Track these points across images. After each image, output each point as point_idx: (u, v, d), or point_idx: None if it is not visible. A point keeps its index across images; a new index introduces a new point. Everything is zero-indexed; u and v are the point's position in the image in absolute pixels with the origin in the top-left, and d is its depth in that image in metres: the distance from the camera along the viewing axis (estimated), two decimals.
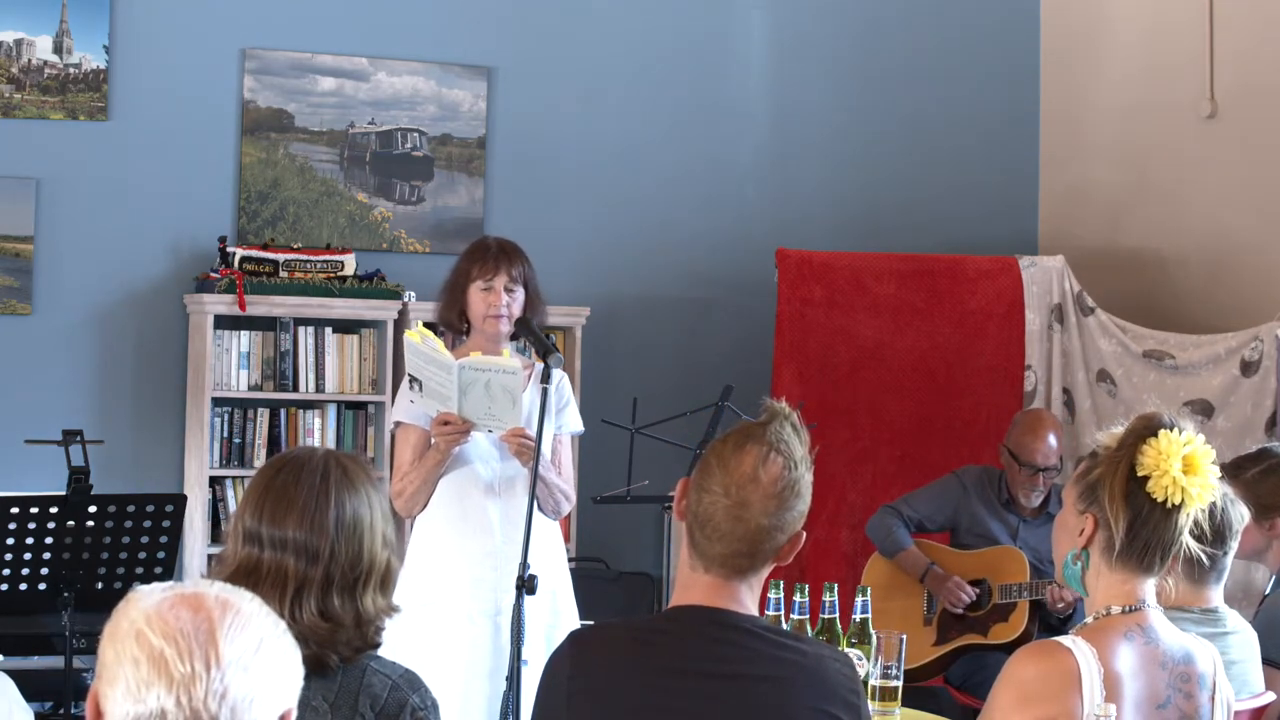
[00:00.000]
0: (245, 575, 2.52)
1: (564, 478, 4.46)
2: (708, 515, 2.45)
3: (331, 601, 2.56)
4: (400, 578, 4.36)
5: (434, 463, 4.28)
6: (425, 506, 4.35)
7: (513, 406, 4.14)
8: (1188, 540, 2.65)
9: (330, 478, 2.60)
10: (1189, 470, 2.61)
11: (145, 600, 1.71)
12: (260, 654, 1.68)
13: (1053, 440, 5.60)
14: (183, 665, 1.64)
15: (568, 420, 4.49)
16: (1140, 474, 2.62)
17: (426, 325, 4.49)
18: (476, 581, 4.30)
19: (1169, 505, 2.61)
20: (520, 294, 4.42)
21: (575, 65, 6.96)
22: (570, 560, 5.11)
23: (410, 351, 4.25)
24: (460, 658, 4.25)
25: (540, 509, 4.37)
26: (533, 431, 4.18)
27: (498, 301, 4.37)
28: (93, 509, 4.71)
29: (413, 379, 4.26)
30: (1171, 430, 2.62)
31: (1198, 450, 2.63)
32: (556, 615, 4.37)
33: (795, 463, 2.46)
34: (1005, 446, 5.68)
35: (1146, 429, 2.63)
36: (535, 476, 4.12)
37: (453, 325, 4.44)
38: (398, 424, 4.41)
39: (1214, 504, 2.75)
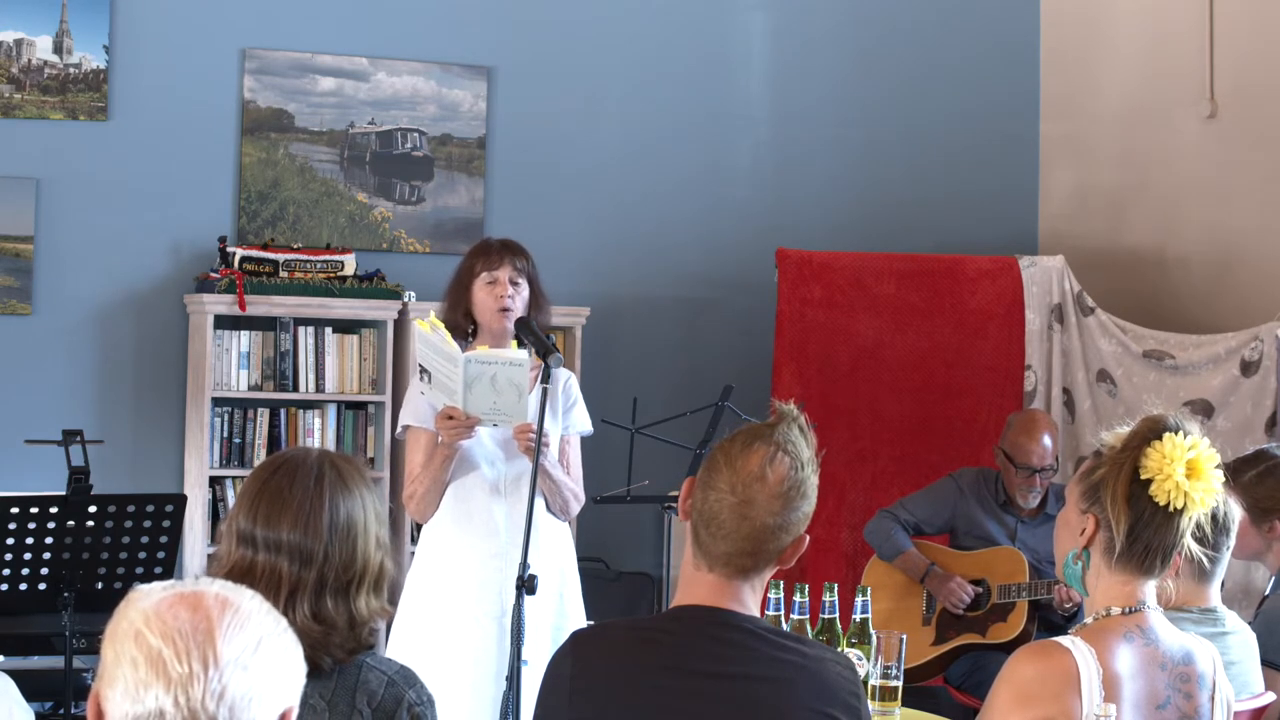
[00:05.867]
0: (239, 577, 2.52)
1: (572, 478, 4.46)
2: (713, 513, 2.46)
3: (325, 604, 2.56)
4: (408, 580, 4.41)
5: (442, 460, 4.27)
6: (438, 508, 4.34)
7: (518, 400, 4.13)
8: (1189, 543, 2.65)
9: (324, 480, 2.60)
10: (1192, 474, 2.61)
11: (145, 600, 1.70)
12: (259, 652, 1.68)
13: (1047, 441, 5.60)
14: (180, 665, 1.64)
15: (575, 420, 4.48)
16: (1143, 477, 2.61)
17: None
18: (483, 584, 4.29)
19: (1171, 509, 2.61)
20: (525, 289, 4.41)
21: (575, 65, 6.96)
22: None
23: (420, 341, 4.25)
24: (467, 659, 4.25)
25: (549, 509, 4.38)
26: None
27: (503, 292, 4.36)
28: (93, 509, 4.71)
29: (422, 370, 4.26)
30: (1176, 434, 2.62)
31: (1202, 454, 2.62)
32: (563, 617, 4.36)
33: (802, 464, 2.47)
34: (1000, 448, 5.68)
35: (1151, 431, 2.63)
36: (536, 472, 4.12)
37: (458, 327, 4.41)
38: (405, 428, 4.41)
39: (1215, 505, 2.74)
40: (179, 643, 1.65)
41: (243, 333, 6.18)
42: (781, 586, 3.77)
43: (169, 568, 4.85)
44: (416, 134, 6.74)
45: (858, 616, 3.86)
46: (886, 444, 6.66)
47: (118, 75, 6.27)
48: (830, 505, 6.42)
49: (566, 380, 4.47)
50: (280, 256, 6.23)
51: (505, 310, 4.36)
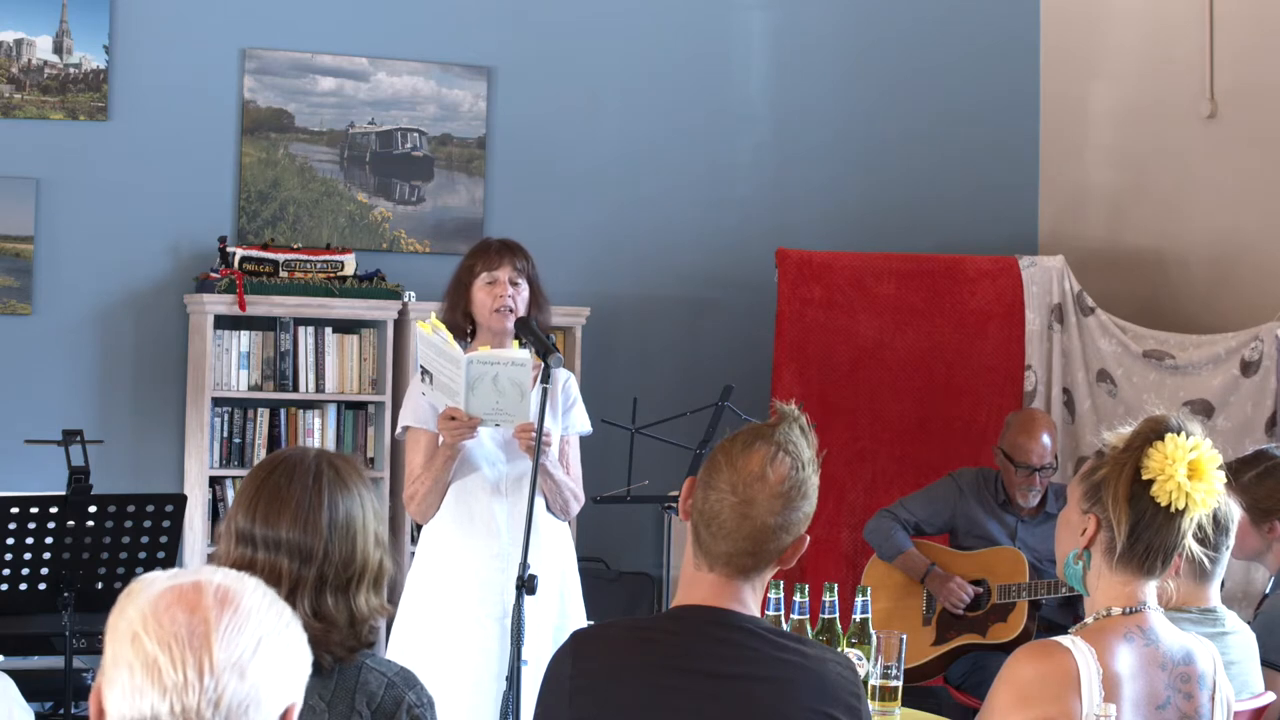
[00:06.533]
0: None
1: (572, 478, 4.46)
2: (714, 513, 2.46)
3: (325, 602, 2.57)
4: (408, 580, 4.40)
5: (443, 460, 4.27)
6: (439, 509, 4.34)
7: (520, 400, 4.13)
8: (1190, 543, 2.64)
9: (323, 478, 2.60)
10: (1194, 475, 2.60)
11: (145, 594, 1.69)
12: (258, 655, 1.67)
13: (1046, 440, 5.60)
14: (175, 673, 1.63)
15: (575, 421, 4.48)
16: (1145, 477, 2.61)
17: None
18: (484, 584, 4.29)
19: (1173, 510, 2.60)
20: (525, 289, 4.41)
21: (575, 65, 6.96)
22: None
23: (422, 342, 4.25)
24: (469, 660, 4.25)
25: (549, 509, 4.37)
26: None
27: (503, 292, 4.35)
28: (93, 509, 4.71)
29: (424, 371, 4.25)
30: (1179, 434, 2.62)
31: (1204, 455, 2.62)
32: (565, 618, 4.36)
33: (803, 464, 2.48)
34: (999, 447, 5.68)
35: (1154, 432, 2.63)
36: (536, 472, 4.11)
37: (458, 327, 4.40)
38: (405, 428, 4.40)
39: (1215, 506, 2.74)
40: (174, 649, 1.64)
41: (243, 333, 6.18)
42: (781, 586, 3.77)
43: (169, 568, 4.84)
44: (416, 134, 6.73)
45: (858, 616, 3.85)
46: (886, 444, 6.66)
47: (118, 75, 6.27)
48: (830, 505, 6.42)
49: (566, 380, 4.47)
50: (280, 256, 6.23)
51: (505, 310, 4.36)
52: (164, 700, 1.63)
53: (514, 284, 4.39)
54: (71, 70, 6.21)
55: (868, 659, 3.77)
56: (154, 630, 1.65)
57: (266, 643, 1.68)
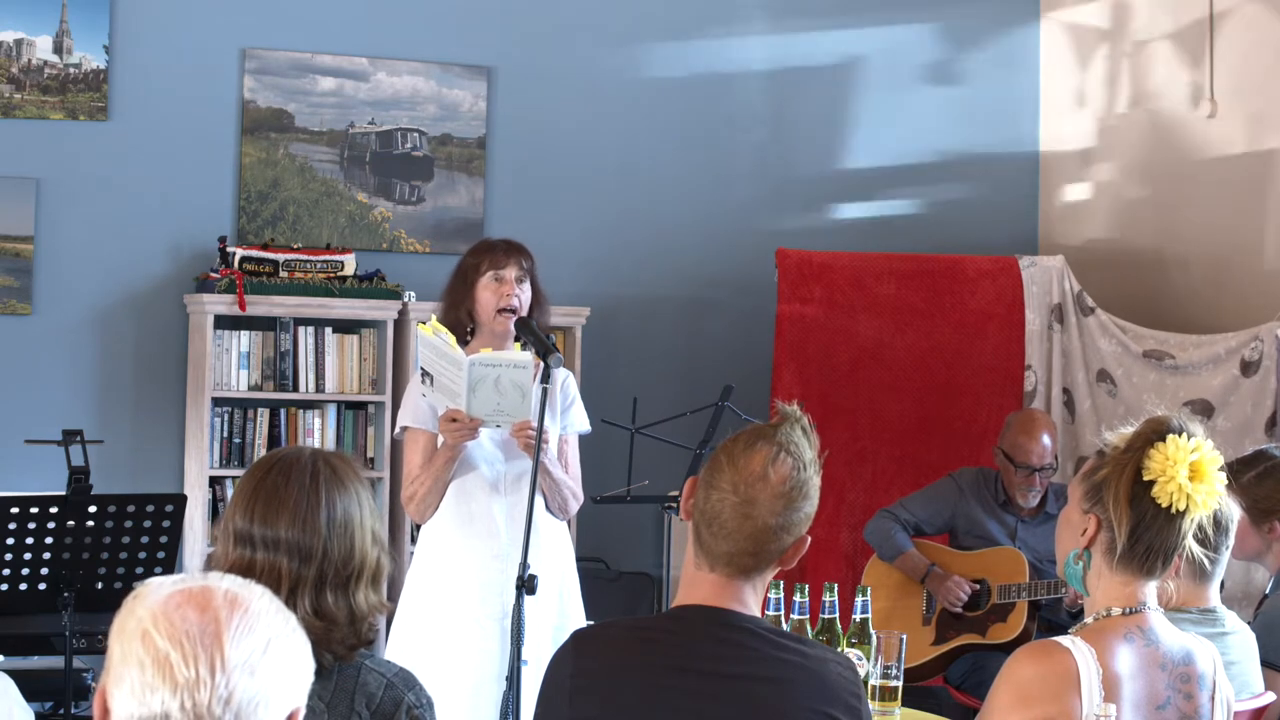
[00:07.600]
0: (239, 576, 2.53)
1: (571, 477, 4.45)
2: (715, 512, 2.47)
3: (325, 600, 2.57)
4: (408, 580, 4.40)
5: (444, 461, 4.26)
6: (437, 509, 4.33)
7: (522, 401, 4.14)
8: (1191, 544, 2.64)
9: (320, 477, 2.61)
10: (1195, 477, 2.60)
11: (153, 597, 1.70)
12: (268, 655, 1.68)
13: (1047, 440, 5.60)
14: (187, 669, 1.63)
15: (574, 420, 4.48)
16: (1146, 478, 2.61)
17: None
18: (484, 585, 4.29)
19: (1173, 511, 2.60)
20: (528, 289, 4.41)
21: (575, 65, 6.96)
22: None
23: (422, 344, 4.24)
24: (469, 661, 4.24)
25: (548, 508, 4.37)
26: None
27: (509, 291, 4.35)
28: (93, 509, 4.70)
29: (425, 373, 4.25)
30: (1180, 435, 2.62)
31: (1205, 457, 2.62)
32: (564, 617, 4.36)
33: (804, 464, 2.48)
34: (1000, 448, 5.69)
35: (1155, 433, 2.63)
36: (536, 470, 4.11)
37: (459, 326, 4.40)
38: (404, 429, 4.40)
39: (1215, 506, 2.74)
40: (186, 646, 1.64)
41: (243, 333, 6.18)
42: (781, 586, 3.77)
43: (169, 568, 4.85)
44: (416, 134, 6.73)
45: (858, 616, 3.85)
46: (886, 444, 6.66)
47: (118, 75, 6.27)
48: (830, 505, 6.41)
49: (564, 380, 4.47)
50: (280, 256, 6.23)
51: (510, 310, 4.35)
52: (175, 697, 1.63)
53: (519, 282, 4.38)
54: (71, 70, 6.21)
55: (868, 659, 3.77)
56: (165, 628, 1.65)
57: (275, 644, 1.69)
